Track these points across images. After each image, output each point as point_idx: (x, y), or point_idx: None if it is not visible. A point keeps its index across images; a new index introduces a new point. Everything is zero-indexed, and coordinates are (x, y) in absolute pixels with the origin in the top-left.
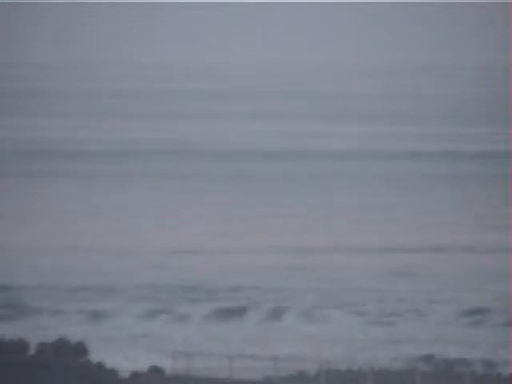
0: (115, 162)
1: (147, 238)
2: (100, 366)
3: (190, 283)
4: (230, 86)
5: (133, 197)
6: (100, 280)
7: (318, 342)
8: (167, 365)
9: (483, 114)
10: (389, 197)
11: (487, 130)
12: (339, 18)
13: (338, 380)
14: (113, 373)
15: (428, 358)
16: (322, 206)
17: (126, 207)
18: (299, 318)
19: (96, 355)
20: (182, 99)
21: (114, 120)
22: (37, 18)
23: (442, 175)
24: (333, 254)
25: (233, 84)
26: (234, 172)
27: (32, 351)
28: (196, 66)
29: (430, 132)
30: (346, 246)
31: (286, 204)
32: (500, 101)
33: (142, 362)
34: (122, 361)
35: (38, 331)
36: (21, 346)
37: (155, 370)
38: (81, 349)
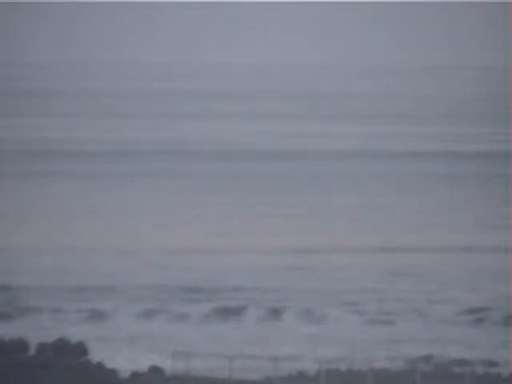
0: (115, 162)
1: (147, 237)
2: (100, 366)
3: (190, 283)
4: (230, 86)
5: (133, 197)
6: (100, 280)
7: (318, 342)
8: (167, 365)
9: (483, 114)
10: (389, 197)
11: (487, 130)
12: (339, 18)
13: (338, 380)
14: (113, 373)
15: (428, 358)
16: (322, 206)
17: (126, 207)
18: (299, 317)
19: (96, 355)
20: (182, 99)
21: (114, 120)
22: (37, 18)
23: (442, 175)
24: (333, 254)
25: (233, 84)
26: (234, 172)
27: (32, 351)
28: (196, 66)
29: (430, 132)
30: (346, 246)
31: (286, 204)
32: (500, 101)
33: (142, 362)
34: (122, 361)
35: (38, 331)
36: (21, 346)
37: (155, 370)
38: (81, 349)
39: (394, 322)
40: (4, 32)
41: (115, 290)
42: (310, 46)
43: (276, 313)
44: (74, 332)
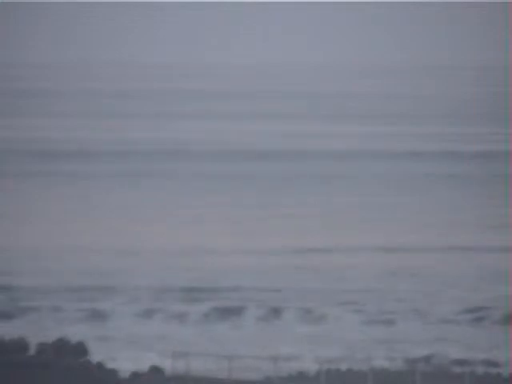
0: (115, 162)
1: (147, 237)
2: (100, 366)
3: (190, 283)
4: (230, 86)
5: (133, 197)
6: (100, 280)
7: (318, 341)
8: (167, 365)
9: (483, 114)
10: (389, 197)
11: (487, 130)
12: (339, 18)
13: (338, 380)
14: (113, 373)
15: (428, 358)
16: (322, 205)
17: (126, 207)
18: (299, 317)
19: (96, 355)
20: (182, 99)
21: (114, 120)
22: (37, 18)
23: (442, 175)
24: (333, 254)
25: (233, 84)
26: (234, 172)
27: (32, 351)
28: (196, 66)
29: (430, 132)
30: (346, 245)
31: (286, 204)
32: (500, 101)
33: (142, 362)
34: (122, 361)
35: (38, 331)
36: (21, 345)
37: (155, 370)
38: (81, 349)
39: (394, 322)
40: (4, 32)
41: (115, 290)
42: (309, 45)
43: (276, 313)
44: (74, 332)
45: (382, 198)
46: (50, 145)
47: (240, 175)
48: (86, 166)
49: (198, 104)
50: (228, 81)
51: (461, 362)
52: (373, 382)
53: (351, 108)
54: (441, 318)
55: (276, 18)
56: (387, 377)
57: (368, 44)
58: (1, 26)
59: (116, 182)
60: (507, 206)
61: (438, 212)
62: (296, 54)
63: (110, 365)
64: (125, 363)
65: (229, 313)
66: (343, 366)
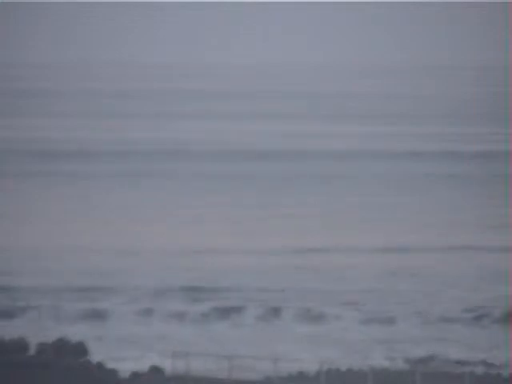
0: (115, 162)
1: (147, 237)
2: (100, 366)
3: (190, 283)
4: (230, 86)
5: (133, 197)
6: (100, 280)
7: (318, 342)
8: (167, 365)
9: (483, 114)
10: (389, 197)
11: (487, 130)
12: (339, 18)
13: (338, 380)
14: (113, 373)
15: (428, 358)
16: (322, 205)
17: (126, 207)
18: (299, 317)
19: (96, 355)
20: (182, 99)
21: (114, 120)
22: (37, 18)
23: (442, 175)
24: (333, 254)
25: (233, 84)
26: (234, 172)
27: (32, 351)
28: (196, 65)
29: (430, 132)
30: (346, 245)
31: (286, 204)
32: (500, 101)
33: (142, 362)
34: (122, 361)
35: (37, 331)
36: (21, 345)
37: (155, 370)
38: (81, 349)
39: (394, 322)
40: (4, 32)
41: (115, 290)
42: (310, 45)
43: (276, 313)
44: (74, 332)
45: (382, 198)
46: (50, 145)
47: (240, 175)
48: (86, 165)
49: (198, 104)
50: (228, 81)
51: (461, 362)
52: (373, 382)
53: (351, 108)
54: (441, 318)
55: (276, 18)
56: (387, 377)
57: (368, 44)
58: (1, 26)
59: (116, 181)
60: (507, 206)
61: (438, 212)
62: (296, 54)
63: (109, 365)
64: (125, 363)
65: (229, 313)
66: (343, 366)
